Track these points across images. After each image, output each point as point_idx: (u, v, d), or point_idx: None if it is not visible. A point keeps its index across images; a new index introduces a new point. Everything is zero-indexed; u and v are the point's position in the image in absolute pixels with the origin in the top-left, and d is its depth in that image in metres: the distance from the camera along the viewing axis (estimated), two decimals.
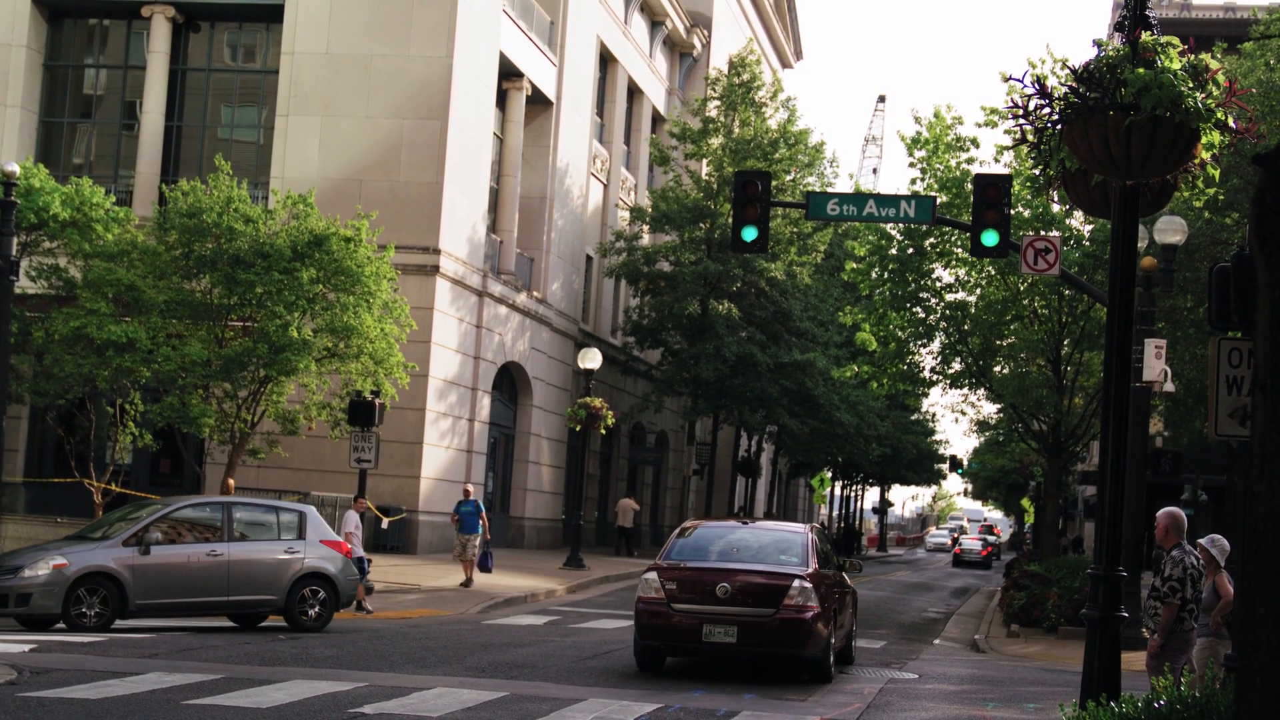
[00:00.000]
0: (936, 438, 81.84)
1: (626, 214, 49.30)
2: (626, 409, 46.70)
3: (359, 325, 25.69)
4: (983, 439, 69.51)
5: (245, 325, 26.21)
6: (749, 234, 19.99)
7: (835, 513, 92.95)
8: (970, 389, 37.93)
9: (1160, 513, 11.77)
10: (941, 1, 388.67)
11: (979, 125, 30.98)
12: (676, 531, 17.45)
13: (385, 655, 16.34)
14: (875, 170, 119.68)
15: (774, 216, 41.99)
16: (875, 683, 16.53)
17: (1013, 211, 25.83)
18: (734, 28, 59.50)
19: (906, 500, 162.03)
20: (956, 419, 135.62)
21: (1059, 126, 8.95)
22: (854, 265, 34.56)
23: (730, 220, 27.99)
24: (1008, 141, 29.68)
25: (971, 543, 78.49)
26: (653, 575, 15.80)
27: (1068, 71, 8.93)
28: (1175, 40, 8.80)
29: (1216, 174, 8.98)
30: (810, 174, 48.97)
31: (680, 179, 46.99)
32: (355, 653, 16.50)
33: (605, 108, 48.92)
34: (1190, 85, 8.56)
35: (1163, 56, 8.65)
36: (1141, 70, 8.56)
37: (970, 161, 31.74)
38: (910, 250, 32.43)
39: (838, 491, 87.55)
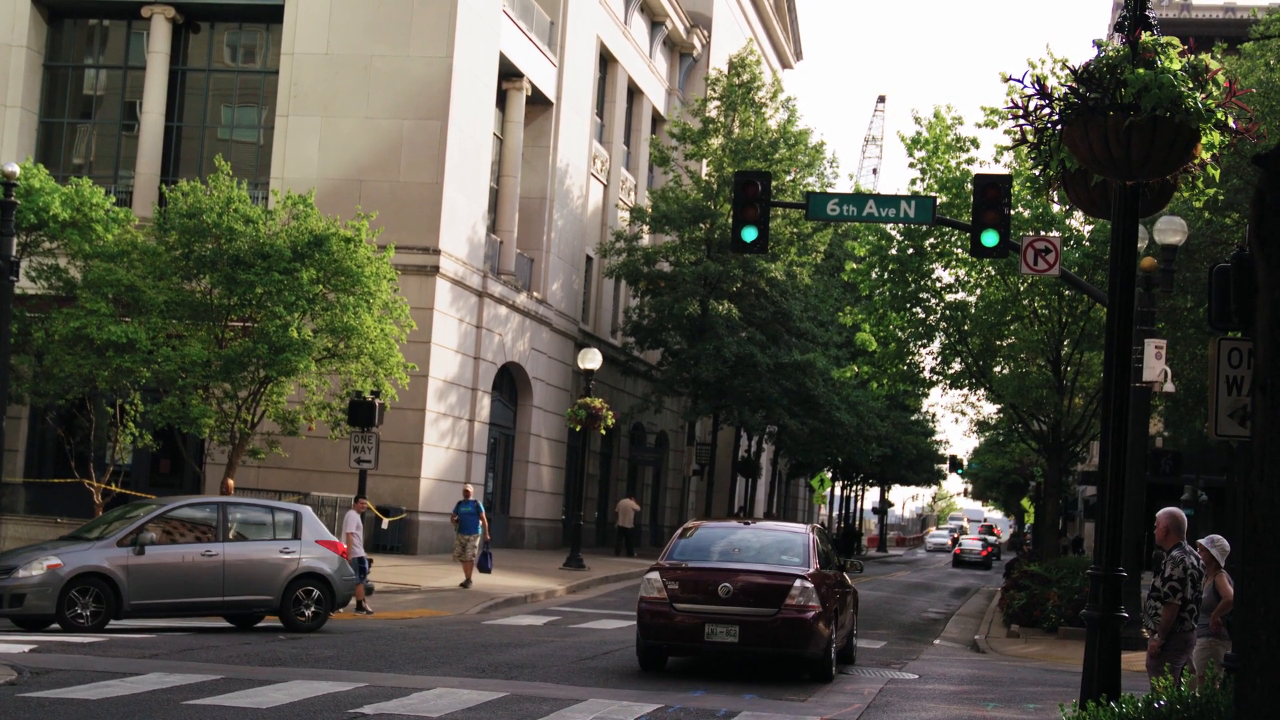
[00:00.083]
0: (936, 438, 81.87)
1: (626, 214, 49.31)
2: (626, 409, 46.70)
3: (359, 326, 25.69)
4: (983, 439, 69.58)
5: (245, 326, 26.21)
6: (749, 234, 20.00)
7: (835, 513, 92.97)
8: (970, 389, 37.94)
9: (1160, 513, 11.77)
10: (941, 1, 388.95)
11: (979, 125, 31.00)
12: (679, 532, 17.49)
13: (385, 655, 16.34)
14: (875, 170, 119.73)
15: (774, 217, 41.99)
16: (875, 683, 16.54)
17: (1013, 212, 25.83)
18: (734, 28, 59.51)
19: (906, 500, 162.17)
20: (956, 419, 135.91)
21: (1059, 127, 8.95)
22: (854, 265, 34.56)
23: (730, 220, 28.00)
24: (1008, 142, 29.70)
25: (971, 543, 78.50)
26: (655, 575, 15.86)
27: (1068, 72, 8.92)
28: (1175, 40, 8.80)
29: (1216, 174, 8.98)
30: (810, 174, 48.98)
31: (680, 179, 47.00)
32: (355, 653, 16.50)
33: (605, 108, 48.92)
34: (1190, 85, 8.56)
35: (1163, 57, 8.65)
36: (1141, 71, 8.56)
37: (970, 162, 31.74)
38: (910, 250, 32.43)
39: (838, 492, 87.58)
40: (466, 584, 27.19)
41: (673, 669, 16.36)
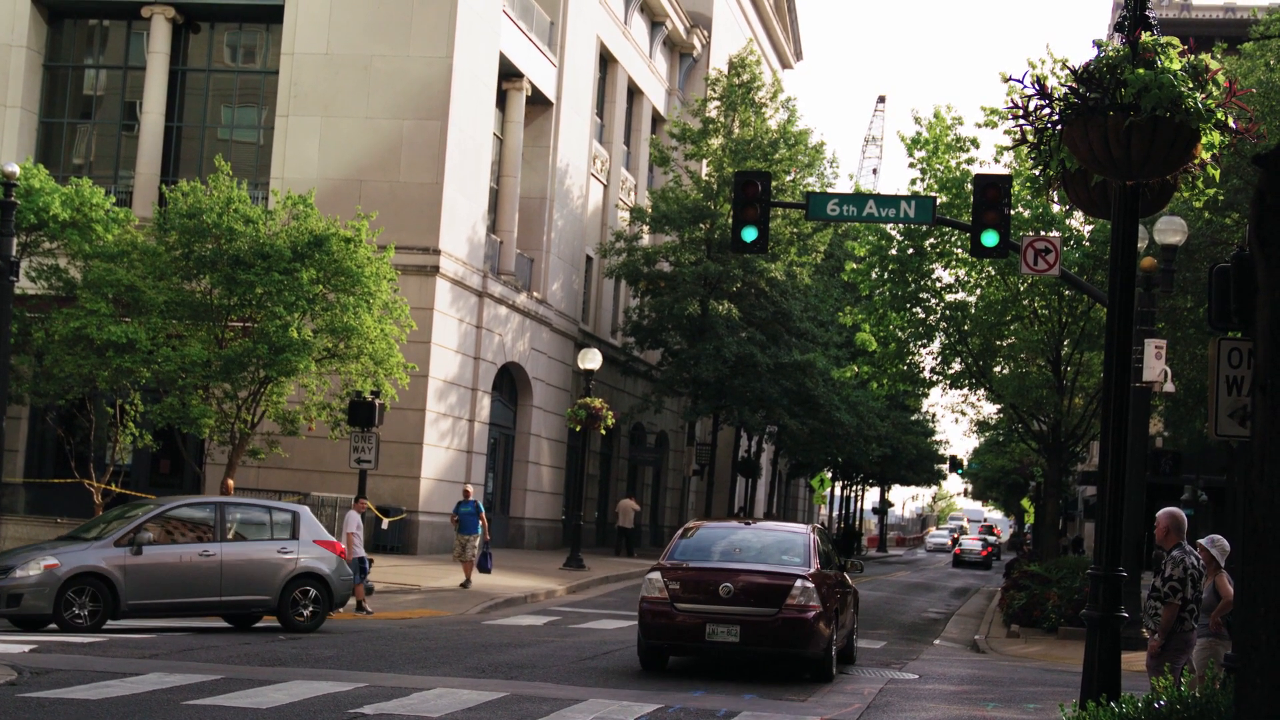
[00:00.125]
0: (936, 438, 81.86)
1: (626, 214, 49.31)
2: (626, 409, 46.70)
3: (359, 326, 25.70)
4: (983, 439, 69.56)
5: (245, 326, 26.21)
6: (749, 234, 20.00)
7: (835, 513, 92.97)
8: (970, 389, 37.94)
9: (1160, 513, 11.77)
10: (941, 1, 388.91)
11: (979, 126, 31.00)
12: (679, 532, 17.52)
13: (385, 656, 16.34)
14: (875, 171, 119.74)
15: (774, 217, 42.00)
16: (875, 683, 16.54)
17: (1013, 212, 25.83)
18: (734, 28, 59.51)
19: (906, 500, 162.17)
20: (956, 419, 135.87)
21: (1059, 127, 8.95)
22: (854, 266, 34.56)
23: (730, 220, 28.00)
24: (1008, 142, 29.71)
25: (971, 543, 78.51)
26: (656, 575, 15.90)
27: (1068, 72, 8.93)
28: (1175, 41, 8.80)
29: (1216, 174, 8.98)
30: (810, 174, 48.98)
31: (680, 179, 47.00)
32: (355, 653, 16.50)
33: (605, 108, 48.92)
34: (1190, 86, 8.57)
35: (1163, 57, 8.65)
36: (1141, 71, 8.56)
37: (970, 162, 31.74)
38: (910, 250, 32.43)
39: (838, 492, 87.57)
40: (466, 584, 27.20)
41: (673, 669, 16.37)
